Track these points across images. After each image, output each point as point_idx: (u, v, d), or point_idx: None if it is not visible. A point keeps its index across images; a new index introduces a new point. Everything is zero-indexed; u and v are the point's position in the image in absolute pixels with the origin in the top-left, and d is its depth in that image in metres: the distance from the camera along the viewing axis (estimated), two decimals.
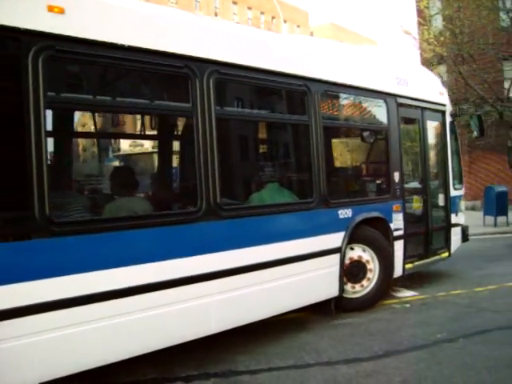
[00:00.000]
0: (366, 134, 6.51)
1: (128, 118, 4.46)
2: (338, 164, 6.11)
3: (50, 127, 3.74)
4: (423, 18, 20.34)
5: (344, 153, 6.62)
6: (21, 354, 3.48)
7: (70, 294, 3.68)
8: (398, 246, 6.58)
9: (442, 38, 19.47)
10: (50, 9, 3.67)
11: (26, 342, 3.49)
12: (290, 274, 5.19)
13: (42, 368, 3.61)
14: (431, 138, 7.53)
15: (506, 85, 20.07)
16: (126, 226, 4.03)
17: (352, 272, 6.09)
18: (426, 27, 19.95)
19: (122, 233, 4.00)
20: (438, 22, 21.40)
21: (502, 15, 20.11)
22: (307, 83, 5.44)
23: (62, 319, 3.64)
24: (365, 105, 6.35)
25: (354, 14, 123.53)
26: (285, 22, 43.23)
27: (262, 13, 46.76)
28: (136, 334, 4.07)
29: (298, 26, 50.90)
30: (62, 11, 3.71)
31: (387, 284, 6.46)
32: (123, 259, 3.96)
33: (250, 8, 46.18)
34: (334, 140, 6.27)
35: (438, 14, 21.16)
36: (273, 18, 46.40)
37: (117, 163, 4.57)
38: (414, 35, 21.67)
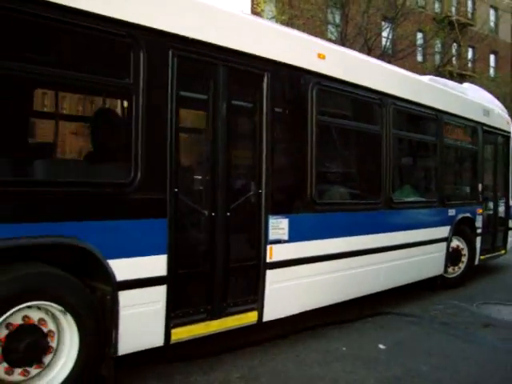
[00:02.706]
0: (466, 152, 8.42)
1: (346, 135, 6.24)
2: (449, 173, 7.96)
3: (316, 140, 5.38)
4: None
5: (452, 165, 8.46)
6: (293, 290, 5.15)
7: (319, 252, 5.37)
8: (478, 241, 8.47)
9: None
10: (319, 55, 5.40)
11: (298, 282, 5.18)
12: (421, 253, 6.98)
13: (307, 300, 5.32)
14: (500, 159, 9.47)
15: None
16: (347, 209, 5.80)
17: (452, 257, 7.90)
18: None
19: (345, 213, 5.76)
20: None
21: (332, 28, 21.96)
22: (437, 114, 7.30)
23: (313, 270, 5.33)
24: (467, 131, 8.23)
25: None
26: None
27: None
28: (351, 284, 5.83)
29: None
30: (324, 57, 5.44)
31: (470, 269, 8.32)
32: (340, 231, 5.67)
33: None
34: (449, 157, 8.12)
35: (272, 18, 21.73)
36: None
37: (344, 168, 6.34)
38: None
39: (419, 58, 27.40)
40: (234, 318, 4.64)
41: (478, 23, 28.79)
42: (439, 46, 26.24)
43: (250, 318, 4.78)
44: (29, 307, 3.35)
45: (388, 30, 22.00)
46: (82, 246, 3.51)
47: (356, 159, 6.37)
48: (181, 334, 4.20)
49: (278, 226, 4.91)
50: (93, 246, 3.56)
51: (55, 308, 3.46)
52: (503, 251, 9.58)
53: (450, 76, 22.38)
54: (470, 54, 31.36)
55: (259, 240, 4.79)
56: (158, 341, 4.07)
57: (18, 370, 3.33)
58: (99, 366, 3.73)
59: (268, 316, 4.90)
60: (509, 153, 9.60)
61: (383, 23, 22.78)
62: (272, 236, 4.85)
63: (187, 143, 4.37)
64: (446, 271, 7.76)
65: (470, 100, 8.34)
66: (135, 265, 3.84)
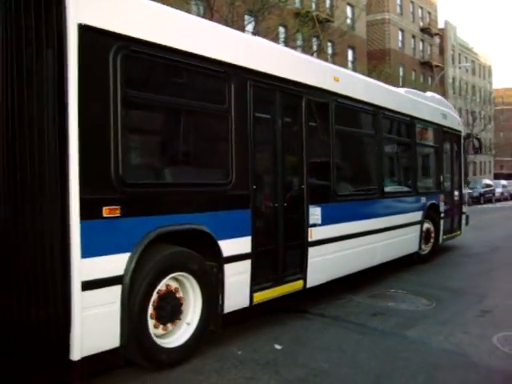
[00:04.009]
0: (431, 149, 10.19)
1: (353, 140, 7.74)
2: (420, 166, 9.70)
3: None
4: None
5: (422, 159, 10.18)
6: (325, 263, 6.56)
7: (339, 233, 6.83)
8: (441, 223, 10.27)
9: None
10: (335, 78, 6.86)
11: (327, 257, 6.61)
12: (398, 235, 8.55)
13: (332, 271, 6.78)
14: (455, 154, 11.34)
15: None
16: (357, 199, 7.32)
17: (424, 237, 9.62)
18: None
19: (356, 202, 7.28)
20: None
21: None
22: (412, 119, 8.97)
23: (336, 247, 6.78)
24: (432, 132, 10.01)
25: None
26: None
27: None
28: (360, 259, 7.35)
29: None
30: (338, 80, 6.90)
31: (435, 247, 10.10)
32: (352, 216, 7.14)
33: None
34: (420, 153, 9.82)
35: None
36: None
37: (352, 165, 7.81)
38: None
39: None
40: (289, 285, 5.99)
41: (338, 19, 29.71)
42: (301, 40, 26.19)
43: (299, 285, 6.15)
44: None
45: (253, 23, 21.71)
46: (206, 230, 4.77)
47: (359, 158, 7.92)
48: (259, 297, 5.52)
49: (315, 213, 6.32)
50: (210, 231, 4.82)
51: (186, 277, 4.69)
52: (459, 232, 11.49)
53: None
54: (329, 49, 31.97)
55: (303, 224, 6.18)
56: (246, 302, 5.36)
57: (161, 326, 4.55)
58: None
59: (309, 284, 6.29)
60: (460, 149, 11.52)
61: (247, 17, 22.33)
62: (311, 221, 6.25)
63: (259, 152, 5.64)
64: (420, 248, 9.47)
65: (434, 106, 10.12)
66: (233, 244, 5.12)
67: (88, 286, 3.83)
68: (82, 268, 3.79)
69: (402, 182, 9.23)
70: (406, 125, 9.00)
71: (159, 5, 4.55)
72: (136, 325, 4.18)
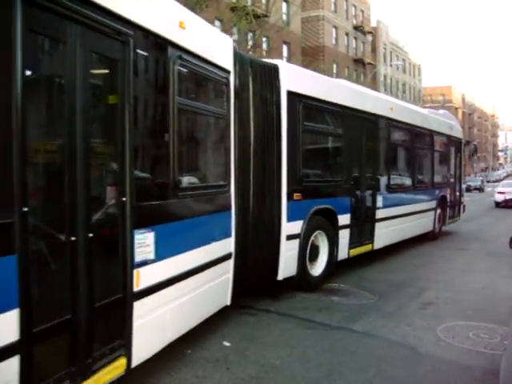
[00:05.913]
0: (444, 155, 13.45)
1: (398, 150, 10.87)
2: (435, 166, 12.96)
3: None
4: None
5: (436, 161, 13.38)
6: (383, 232, 9.69)
7: (387, 215, 9.96)
8: (448, 210, 13.57)
9: None
10: (391, 108, 9.99)
11: (383, 230, 9.76)
12: (422, 217, 11.78)
13: (385, 240, 9.94)
14: (457, 157, 14.63)
15: None
16: (401, 190, 10.50)
17: (437, 219, 12.89)
18: None
19: (401, 192, 10.47)
20: None
21: None
22: (431, 132, 12.19)
23: (388, 224, 9.92)
24: (444, 141, 13.27)
25: None
26: None
27: None
28: (402, 233, 10.56)
29: None
30: (393, 109, 10.02)
31: (441, 228, 13.41)
32: (397, 203, 10.29)
33: None
34: (435, 157, 13.03)
35: None
36: None
37: (400, 166, 10.98)
38: None
39: None
40: (364, 247, 9.10)
41: (274, 14, 29.19)
42: (237, 34, 25.46)
43: (369, 247, 9.26)
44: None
45: None
46: (332, 208, 7.86)
47: (401, 160, 11.15)
48: (352, 252, 8.61)
49: (379, 199, 9.47)
50: (334, 208, 7.90)
51: (321, 235, 7.76)
52: (458, 218, 14.86)
53: None
54: (264, 44, 31.62)
55: (374, 206, 9.31)
56: (346, 255, 8.46)
57: (311, 262, 7.56)
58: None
59: (375, 247, 9.42)
60: (461, 152, 14.86)
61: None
62: (377, 204, 9.39)
63: (354, 159, 8.73)
64: (434, 228, 12.75)
65: (444, 120, 13.39)
66: (342, 218, 8.18)
67: (288, 237, 6.86)
68: (287, 227, 6.83)
69: (424, 177, 12.44)
70: (427, 136, 12.21)
71: (316, 73, 7.59)
72: (303, 260, 7.25)
